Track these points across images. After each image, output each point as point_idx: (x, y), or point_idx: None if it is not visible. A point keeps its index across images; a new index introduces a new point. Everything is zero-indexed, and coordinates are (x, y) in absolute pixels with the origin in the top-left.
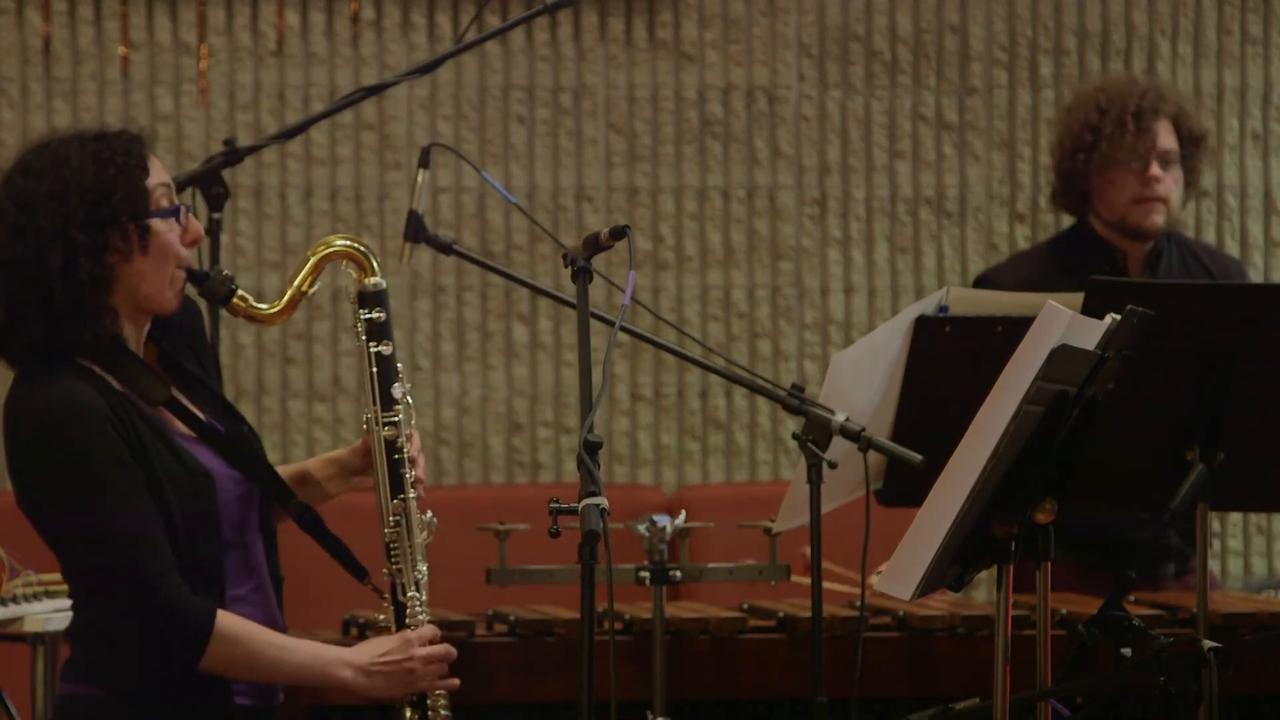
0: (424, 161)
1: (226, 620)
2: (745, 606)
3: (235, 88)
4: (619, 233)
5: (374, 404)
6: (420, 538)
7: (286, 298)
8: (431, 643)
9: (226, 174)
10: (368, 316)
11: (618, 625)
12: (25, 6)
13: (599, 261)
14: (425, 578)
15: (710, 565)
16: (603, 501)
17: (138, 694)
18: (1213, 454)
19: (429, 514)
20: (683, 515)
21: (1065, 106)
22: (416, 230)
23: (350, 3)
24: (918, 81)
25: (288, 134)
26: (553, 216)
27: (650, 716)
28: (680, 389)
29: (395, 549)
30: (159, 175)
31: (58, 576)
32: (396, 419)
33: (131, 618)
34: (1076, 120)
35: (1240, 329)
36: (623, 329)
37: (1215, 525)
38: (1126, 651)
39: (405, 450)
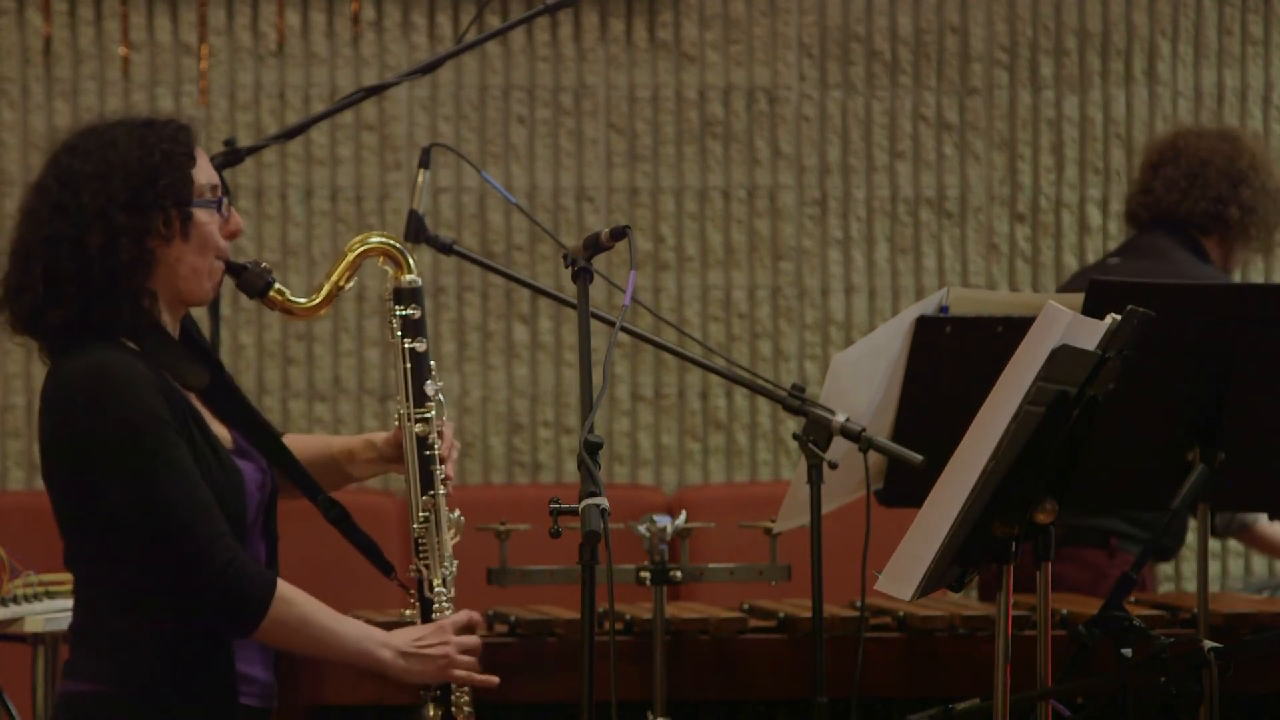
0: (424, 162)
1: (285, 585)
2: (745, 606)
3: (236, 88)
4: (619, 233)
5: (407, 400)
6: (449, 535)
7: (323, 292)
8: (465, 628)
9: (227, 174)
10: (403, 313)
11: (618, 625)
12: (25, 6)
13: (599, 262)
14: (453, 574)
15: (711, 565)
16: (603, 502)
17: (146, 691)
18: (1213, 454)
19: (456, 512)
20: (683, 515)
21: (1252, 153)
22: (417, 230)
23: (351, 3)
24: (918, 82)
25: (288, 134)
26: (553, 217)
27: (650, 716)
28: (681, 389)
29: (424, 545)
30: (204, 165)
31: (58, 576)
32: (429, 415)
33: (185, 586)
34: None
35: (1240, 329)
36: (623, 329)
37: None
38: (1127, 651)
39: (436, 447)
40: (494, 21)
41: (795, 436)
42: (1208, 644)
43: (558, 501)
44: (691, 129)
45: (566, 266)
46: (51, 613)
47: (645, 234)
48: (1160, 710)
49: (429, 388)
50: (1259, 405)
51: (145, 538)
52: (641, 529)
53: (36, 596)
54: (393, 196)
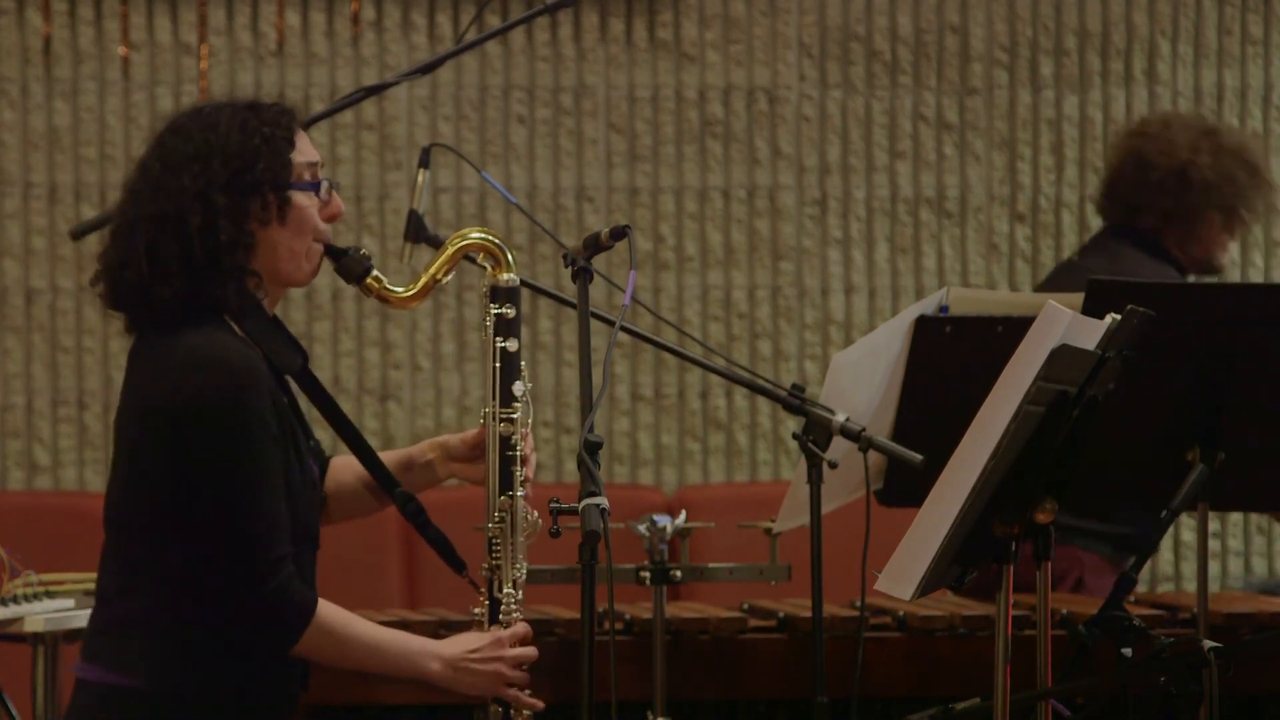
0: (424, 161)
1: (325, 610)
2: (745, 606)
3: (236, 88)
4: (619, 233)
5: (494, 399)
6: (523, 537)
7: (421, 283)
8: (522, 642)
9: None
10: (498, 311)
11: (618, 625)
12: (25, 6)
13: (599, 261)
14: (524, 575)
15: (710, 565)
16: (603, 501)
17: (199, 691)
18: (1213, 454)
19: (535, 514)
20: (683, 515)
21: (1185, 141)
22: (417, 230)
23: (350, 3)
24: (918, 82)
25: None
26: (553, 216)
27: (650, 716)
28: (681, 389)
29: (497, 545)
30: (306, 149)
31: (58, 576)
32: (514, 416)
33: (232, 594)
34: (1221, 171)
35: (1240, 329)
36: (623, 329)
37: (1215, 525)
38: (1126, 651)
39: (519, 448)
40: (494, 21)
41: (795, 436)
42: (1208, 644)
43: (558, 501)
44: (691, 129)
45: (566, 266)
46: (51, 613)
47: (645, 234)
48: (1160, 710)
49: (517, 388)
50: (1259, 405)
51: (213, 532)
52: (641, 529)
53: (36, 596)
54: (393, 196)
